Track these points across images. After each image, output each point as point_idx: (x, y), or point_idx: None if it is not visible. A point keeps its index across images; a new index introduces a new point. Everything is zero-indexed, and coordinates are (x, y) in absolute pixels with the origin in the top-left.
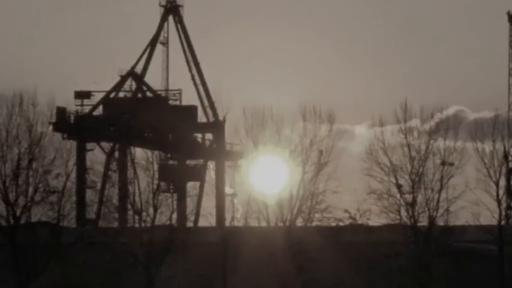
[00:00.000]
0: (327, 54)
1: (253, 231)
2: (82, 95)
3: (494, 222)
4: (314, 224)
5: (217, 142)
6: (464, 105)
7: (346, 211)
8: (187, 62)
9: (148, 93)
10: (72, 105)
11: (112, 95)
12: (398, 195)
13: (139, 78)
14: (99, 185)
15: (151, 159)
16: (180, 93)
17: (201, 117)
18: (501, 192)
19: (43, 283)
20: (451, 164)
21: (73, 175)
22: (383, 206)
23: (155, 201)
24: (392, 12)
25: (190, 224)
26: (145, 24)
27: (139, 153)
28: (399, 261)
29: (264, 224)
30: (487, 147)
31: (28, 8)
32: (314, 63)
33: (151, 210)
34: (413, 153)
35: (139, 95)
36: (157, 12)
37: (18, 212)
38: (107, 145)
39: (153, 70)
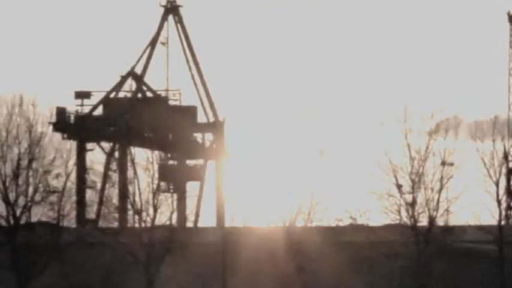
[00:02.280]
0: (326, 54)
1: (253, 232)
2: (82, 95)
3: (494, 222)
4: (314, 224)
5: (217, 142)
6: (464, 105)
7: (346, 211)
8: (187, 62)
9: (148, 93)
10: (72, 105)
11: (112, 95)
12: (398, 195)
13: (139, 78)
14: (99, 185)
15: (151, 159)
16: (180, 93)
17: (201, 118)
18: (501, 192)
19: (43, 283)
20: (451, 164)
21: (73, 175)
22: (383, 206)
23: (155, 201)
24: (392, 12)
25: (190, 224)
26: (145, 24)
27: (139, 153)
28: (399, 261)
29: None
30: (487, 147)
31: (28, 8)
32: (314, 63)
33: (151, 210)
34: (413, 153)
35: (140, 95)
36: (157, 12)
37: (18, 212)
38: (107, 145)
39: (153, 70)
